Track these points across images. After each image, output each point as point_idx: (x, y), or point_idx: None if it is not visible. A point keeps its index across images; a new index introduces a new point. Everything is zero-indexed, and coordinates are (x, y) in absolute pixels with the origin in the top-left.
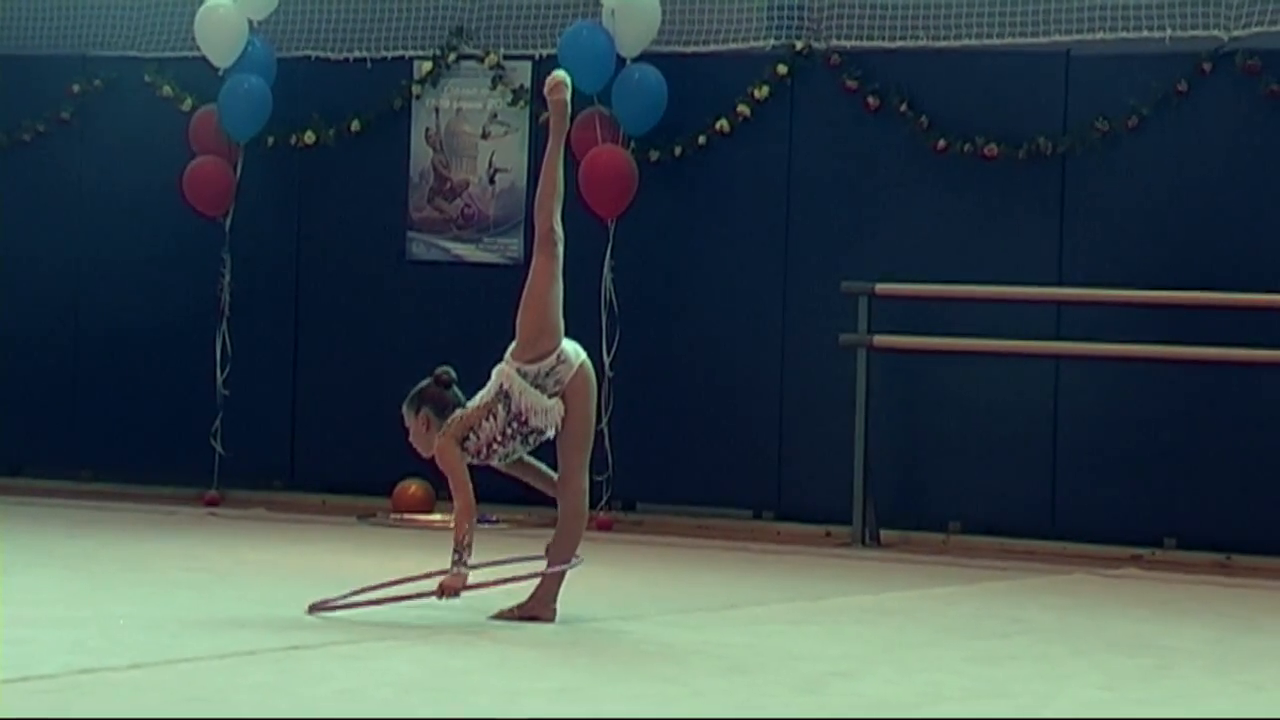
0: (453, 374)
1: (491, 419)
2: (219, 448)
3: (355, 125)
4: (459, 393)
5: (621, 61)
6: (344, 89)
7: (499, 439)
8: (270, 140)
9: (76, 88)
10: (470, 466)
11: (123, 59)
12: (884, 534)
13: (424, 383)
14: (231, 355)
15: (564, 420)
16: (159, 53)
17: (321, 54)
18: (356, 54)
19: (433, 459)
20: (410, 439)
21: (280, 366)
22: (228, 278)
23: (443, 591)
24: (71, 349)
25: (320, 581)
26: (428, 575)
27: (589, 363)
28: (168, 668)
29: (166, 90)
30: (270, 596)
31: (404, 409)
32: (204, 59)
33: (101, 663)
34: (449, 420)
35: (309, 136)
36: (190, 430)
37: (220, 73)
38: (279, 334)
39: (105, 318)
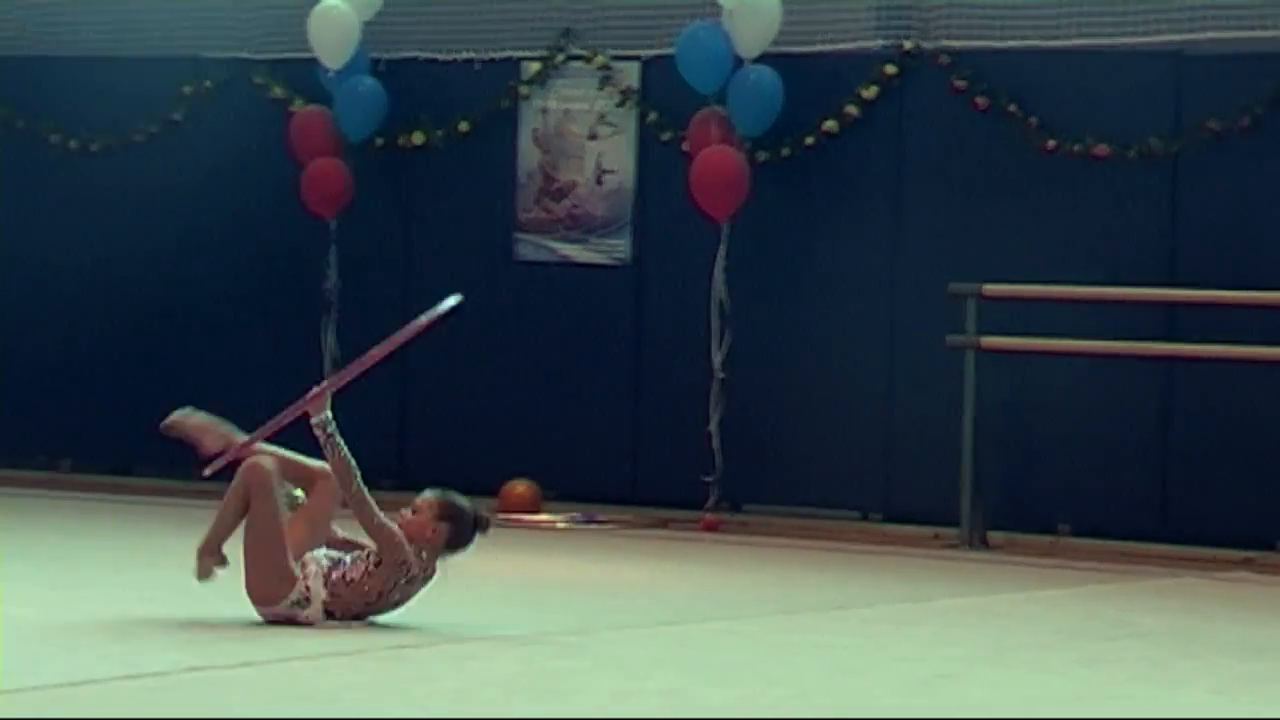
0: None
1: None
2: None
3: (463, 126)
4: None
5: (739, 62)
6: (452, 90)
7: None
8: (379, 141)
9: (188, 89)
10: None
11: (233, 60)
12: (991, 536)
13: (468, 510)
14: (340, 355)
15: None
16: (269, 54)
17: (430, 55)
18: (465, 55)
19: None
20: (409, 520)
21: (389, 366)
22: (334, 277)
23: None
24: (180, 347)
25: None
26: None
27: None
28: (276, 666)
29: (276, 91)
30: None
31: (435, 496)
32: (314, 60)
33: (210, 661)
34: (433, 554)
35: (417, 137)
36: (300, 431)
37: (331, 74)
38: (387, 333)
39: (213, 316)
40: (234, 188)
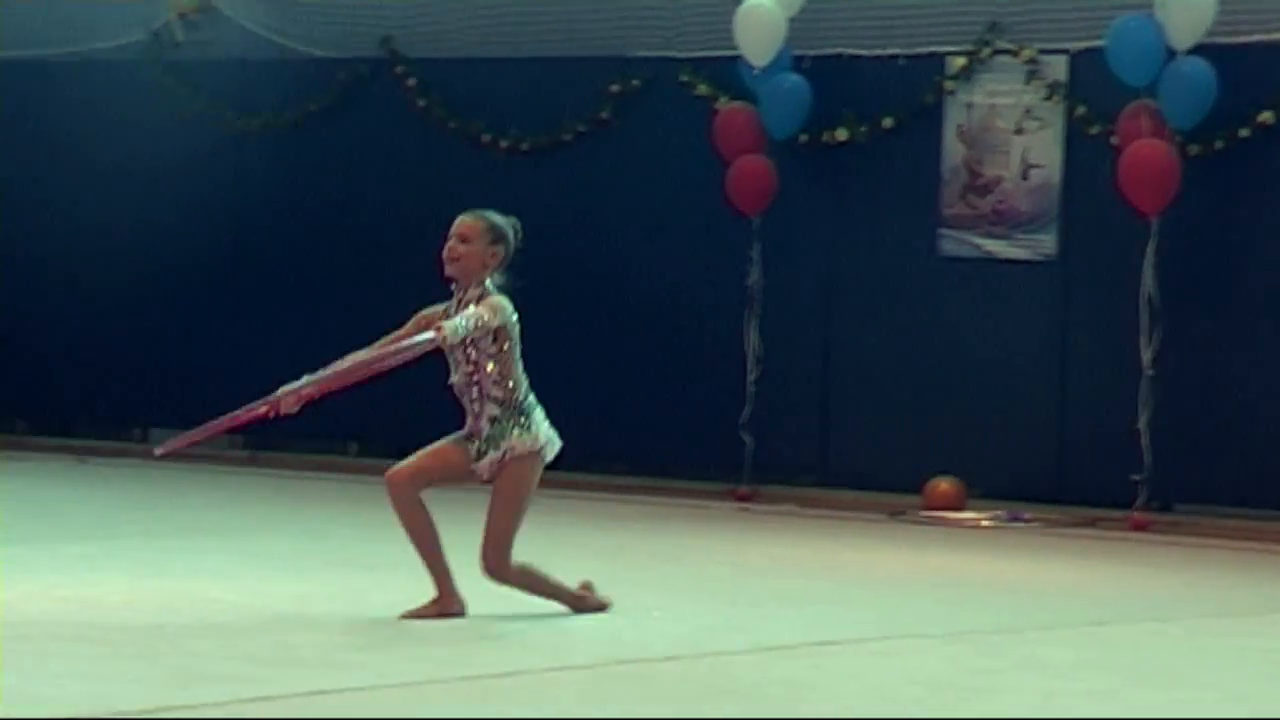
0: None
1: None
2: (749, 440)
3: (887, 122)
4: None
5: (1170, 53)
6: (876, 86)
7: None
8: (803, 138)
9: (615, 88)
10: None
11: (660, 59)
12: None
13: (506, 222)
14: (762, 350)
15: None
16: (695, 52)
17: (854, 51)
18: (889, 51)
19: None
20: (460, 247)
21: (811, 362)
22: (757, 274)
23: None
24: (605, 344)
25: (849, 578)
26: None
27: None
28: (700, 660)
29: (702, 89)
30: (801, 593)
31: (482, 224)
32: (738, 58)
33: (637, 654)
34: (491, 289)
35: (841, 134)
36: (721, 423)
37: (756, 71)
38: (810, 329)
39: (637, 311)
40: (660, 185)
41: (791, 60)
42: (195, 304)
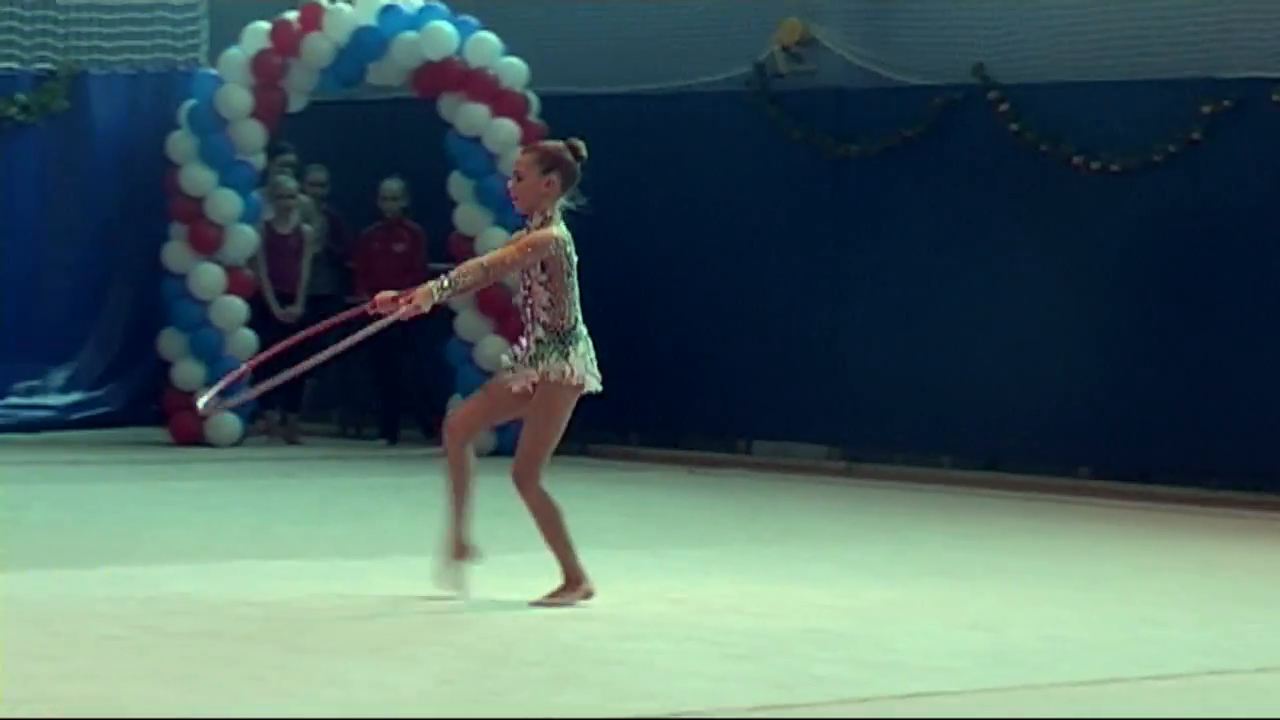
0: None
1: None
2: None
3: None
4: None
5: None
6: None
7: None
8: None
9: (1206, 109)
10: None
11: (1251, 80)
12: None
13: (561, 146)
14: None
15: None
16: None
17: None
18: None
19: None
20: (515, 186)
21: None
22: None
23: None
24: (1203, 347)
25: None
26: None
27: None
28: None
29: None
30: None
31: (531, 156)
32: None
33: (1230, 664)
34: (554, 203)
35: None
36: None
37: None
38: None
39: (1235, 320)
40: (1251, 203)
41: None
42: (794, 316)
